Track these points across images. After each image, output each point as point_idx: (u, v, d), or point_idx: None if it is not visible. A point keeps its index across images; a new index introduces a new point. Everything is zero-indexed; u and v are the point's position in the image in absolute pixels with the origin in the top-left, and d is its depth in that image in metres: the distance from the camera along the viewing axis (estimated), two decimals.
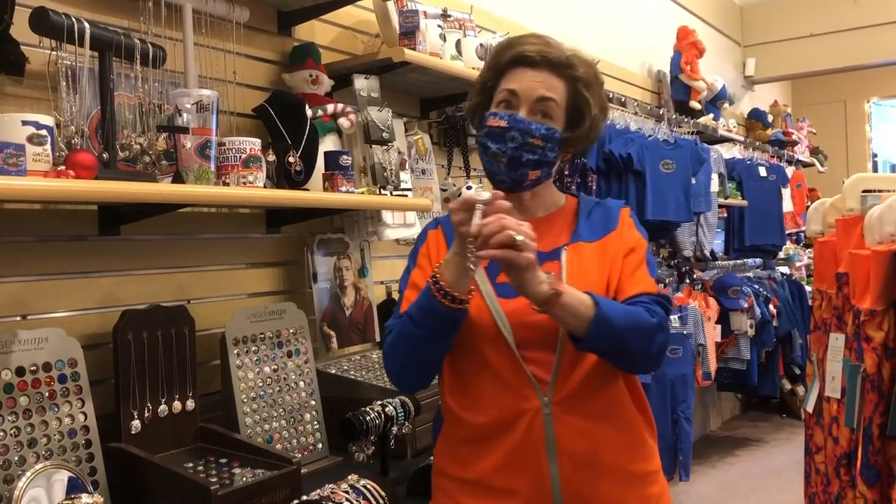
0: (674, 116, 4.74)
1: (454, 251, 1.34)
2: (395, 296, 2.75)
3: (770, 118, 6.65)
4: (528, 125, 1.43)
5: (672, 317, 4.09)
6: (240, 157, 1.92)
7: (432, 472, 1.59)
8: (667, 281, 4.41)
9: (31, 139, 1.52)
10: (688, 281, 4.64)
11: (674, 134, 4.34)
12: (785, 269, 6.06)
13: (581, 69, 1.48)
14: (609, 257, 1.49)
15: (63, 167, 1.56)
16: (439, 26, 2.68)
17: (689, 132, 4.67)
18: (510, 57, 1.48)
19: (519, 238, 1.25)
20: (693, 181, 4.19)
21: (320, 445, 2.15)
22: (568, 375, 1.42)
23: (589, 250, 1.49)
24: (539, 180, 1.50)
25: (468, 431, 1.48)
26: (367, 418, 2.06)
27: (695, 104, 5.05)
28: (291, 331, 2.17)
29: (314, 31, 2.54)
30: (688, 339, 4.12)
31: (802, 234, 6.44)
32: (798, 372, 5.47)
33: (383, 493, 1.78)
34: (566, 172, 3.80)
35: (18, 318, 1.75)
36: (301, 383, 2.16)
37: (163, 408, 1.84)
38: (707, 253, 4.87)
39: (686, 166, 4.13)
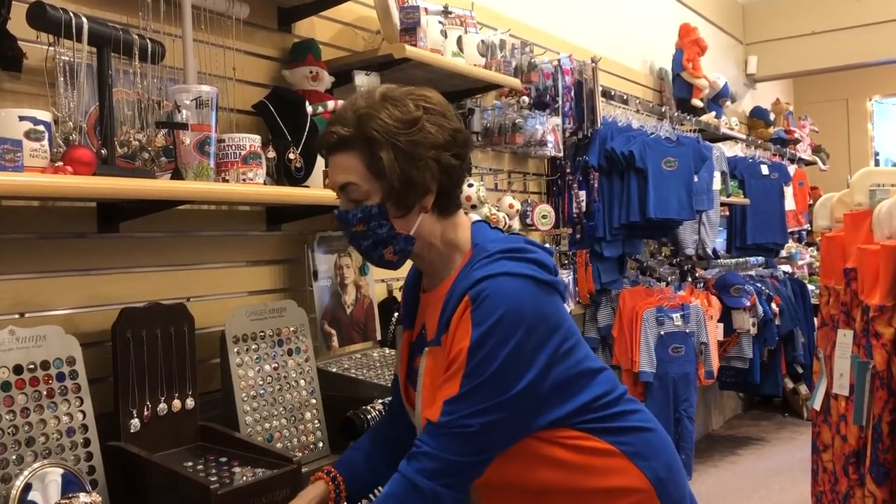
0: (675, 114, 4.72)
1: None
2: (396, 294, 2.74)
3: (772, 116, 6.63)
4: (345, 217, 1.40)
5: (674, 315, 4.07)
6: (239, 153, 1.90)
7: None
8: (669, 279, 4.40)
9: (28, 135, 1.50)
10: (690, 279, 4.63)
11: (676, 132, 4.33)
12: (787, 268, 6.04)
13: (373, 125, 1.34)
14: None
15: (61, 163, 1.54)
16: (440, 23, 2.66)
17: (690, 130, 4.66)
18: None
19: None
20: (695, 179, 4.18)
21: (321, 444, 2.13)
22: None
23: (440, 358, 1.37)
24: (403, 251, 1.41)
25: None
26: (368, 417, 2.04)
27: (697, 102, 5.03)
28: (292, 329, 2.15)
29: (314, 28, 2.52)
30: (690, 338, 4.10)
31: (804, 233, 6.42)
32: (800, 371, 5.45)
33: None
34: (568, 171, 3.80)
35: (16, 316, 1.73)
36: (301, 382, 2.14)
37: (162, 406, 1.82)
38: (709, 251, 4.86)
39: (688, 164, 4.12)
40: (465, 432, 1.28)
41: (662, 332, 4.05)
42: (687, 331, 4.10)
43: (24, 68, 1.70)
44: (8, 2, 1.63)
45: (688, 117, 4.83)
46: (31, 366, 1.62)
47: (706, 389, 5.33)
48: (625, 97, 4.35)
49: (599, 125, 3.81)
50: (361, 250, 1.43)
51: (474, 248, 1.41)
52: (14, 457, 1.54)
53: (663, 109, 4.64)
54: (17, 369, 1.59)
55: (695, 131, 4.65)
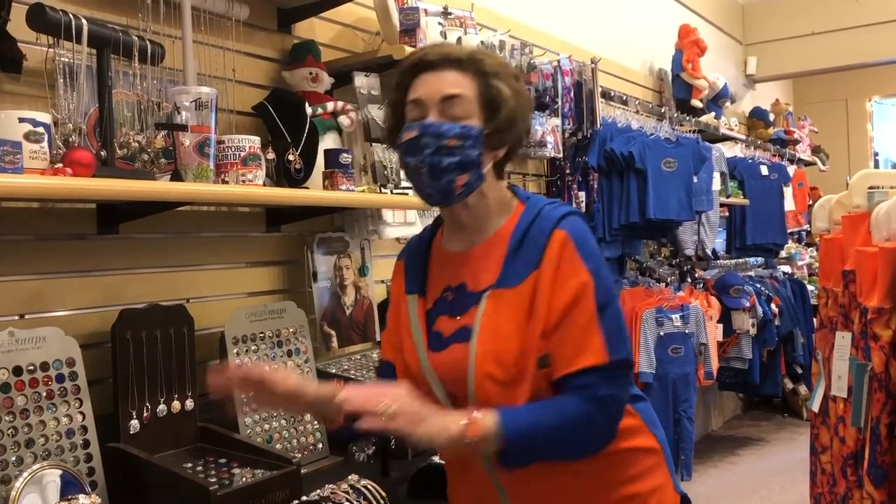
0: (675, 115, 4.72)
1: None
2: None
3: (771, 117, 6.63)
4: (438, 127, 1.32)
5: (673, 316, 4.07)
6: (239, 154, 1.90)
7: None
8: (668, 280, 4.40)
9: (27, 136, 1.50)
10: (689, 280, 4.62)
11: (675, 132, 4.32)
12: (787, 268, 6.04)
13: (488, 62, 1.38)
14: (530, 310, 1.30)
15: (60, 165, 1.54)
16: (440, 24, 2.66)
17: (690, 131, 4.66)
18: (408, 67, 1.40)
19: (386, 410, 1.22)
20: (695, 180, 4.18)
21: (320, 445, 2.13)
22: None
23: (508, 300, 1.32)
24: (470, 185, 1.35)
25: (448, 467, 1.53)
26: None
27: (696, 103, 5.03)
28: (291, 330, 2.15)
29: (314, 29, 2.52)
30: (689, 339, 4.10)
31: (804, 233, 6.42)
32: (800, 371, 5.45)
33: (384, 494, 1.77)
34: (567, 171, 3.80)
35: (16, 318, 1.73)
36: None
37: (162, 408, 1.82)
38: (709, 252, 4.85)
39: (688, 165, 4.12)
40: (625, 370, 1.31)
41: (662, 333, 4.04)
42: (686, 331, 4.10)
43: (24, 70, 1.70)
44: (8, 3, 1.63)
45: (687, 118, 4.83)
46: (31, 367, 1.62)
47: (706, 390, 5.33)
48: (624, 98, 4.35)
49: (599, 126, 3.81)
50: (439, 168, 1.31)
51: (527, 201, 1.42)
52: (14, 458, 1.55)
53: (663, 110, 4.64)
54: (17, 371, 1.60)
55: (694, 132, 4.65)
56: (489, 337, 1.31)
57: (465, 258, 1.42)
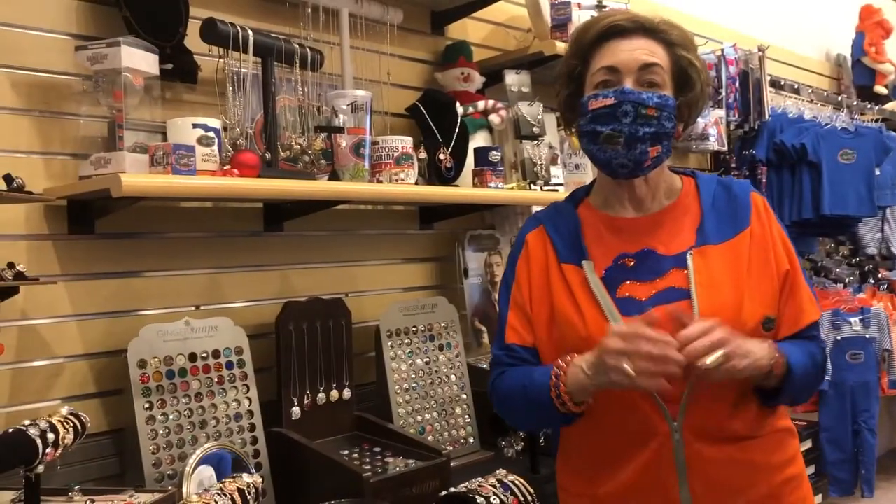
0: (855, 103, 4.38)
1: (595, 367, 1.22)
2: None
3: None
4: (638, 95, 1.28)
5: (852, 319, 3.79)
6: (392, 155, 1.97)
7: (557, 484, 1.48)
8: (847, 281, 4.09)
9: (200, 141, 1.63)
10: (871, 281, 4.28)
11: (855, 122, 4.02)
12: None
13: (674, 32, 1.34)
14: (744, 265, 1.32)
15: (228, 166, 1.66)
16: (593, 17, 2.62)
17: (873, 119, 4.31)
18: (597, 33, 1.34)
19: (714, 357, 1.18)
20: (877, 172, 3.87)
21: (471, 439, 2.16)
22: (699, 398, 1.27)
23: (717, 256, 1.33)
24: (660, 158, 1.33)
25: (589, 452, 1.39)
26: None
27: (880, 89, 4.66)
28: (443, 325, 2.20)
29: (466, 29, 2.56)
30: (870, 344, 3.80)
31: None
32: None
33: (531, 490, 1.76)
34: (733, 165, 3.63)
35: (192, 308, 1.88)
36: (452, 377, 2.18)
37: (321, 396, 1.92)
38: (894, 250, 4.47)
39: (868, 156, 3.82)
40: None
41: (838, 337, 3.78)
42: (867, 336, 3.80)
43: (198, 80, 1.84)
44: (185, 20, 1.77)
45: (869, 106, 4.47)
46: (205, 354, 1.76)
47: (891, 400, 4.89)
48: (796, 86, 4.09)
49: (767, 117, 3.61)
50: (636, 137, 1.29)
51: (694, 174, 1.45)
52: (189, 437, 1.68)
53: (840, 98, 4.32)
54: (192, 357, 1.74)
55: (877, 121, 4.30)
56: (707, 291, 1.30)
57: (645, 225, 1.38)
